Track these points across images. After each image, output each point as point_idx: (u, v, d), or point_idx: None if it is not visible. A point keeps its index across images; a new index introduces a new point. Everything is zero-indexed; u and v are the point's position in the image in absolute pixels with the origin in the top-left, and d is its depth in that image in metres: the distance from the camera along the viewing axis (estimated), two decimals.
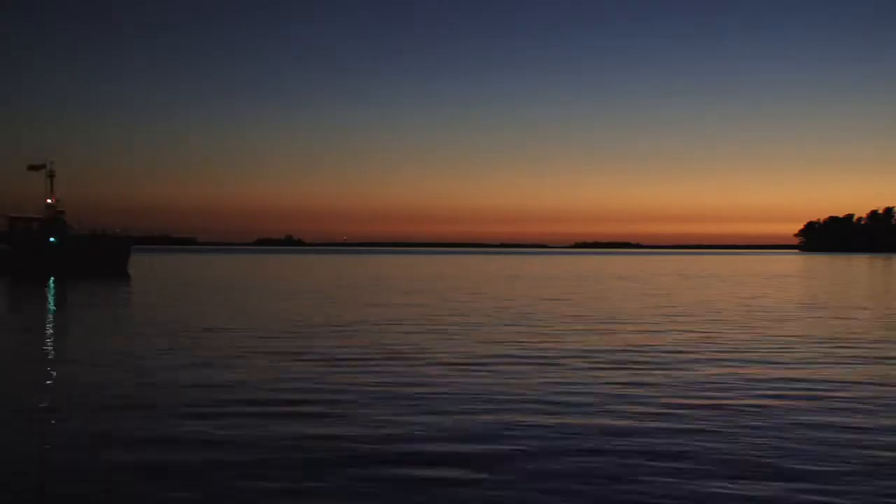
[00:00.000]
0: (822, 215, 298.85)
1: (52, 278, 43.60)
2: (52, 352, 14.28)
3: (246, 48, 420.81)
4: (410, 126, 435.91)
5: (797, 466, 6.87)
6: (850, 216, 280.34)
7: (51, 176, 55.82)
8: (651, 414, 8.96)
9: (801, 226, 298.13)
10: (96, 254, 55.89)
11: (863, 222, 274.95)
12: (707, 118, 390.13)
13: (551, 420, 8.63)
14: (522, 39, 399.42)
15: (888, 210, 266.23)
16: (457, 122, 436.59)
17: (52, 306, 24.45)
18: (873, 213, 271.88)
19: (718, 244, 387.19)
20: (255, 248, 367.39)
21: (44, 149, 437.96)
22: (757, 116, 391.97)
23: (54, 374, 11.94)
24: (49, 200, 55.36)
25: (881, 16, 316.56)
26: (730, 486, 6.33)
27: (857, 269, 70.28)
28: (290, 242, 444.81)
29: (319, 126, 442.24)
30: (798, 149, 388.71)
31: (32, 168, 55.51)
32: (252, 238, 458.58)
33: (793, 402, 9.63)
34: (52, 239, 54.31)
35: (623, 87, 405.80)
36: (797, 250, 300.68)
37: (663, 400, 9.73)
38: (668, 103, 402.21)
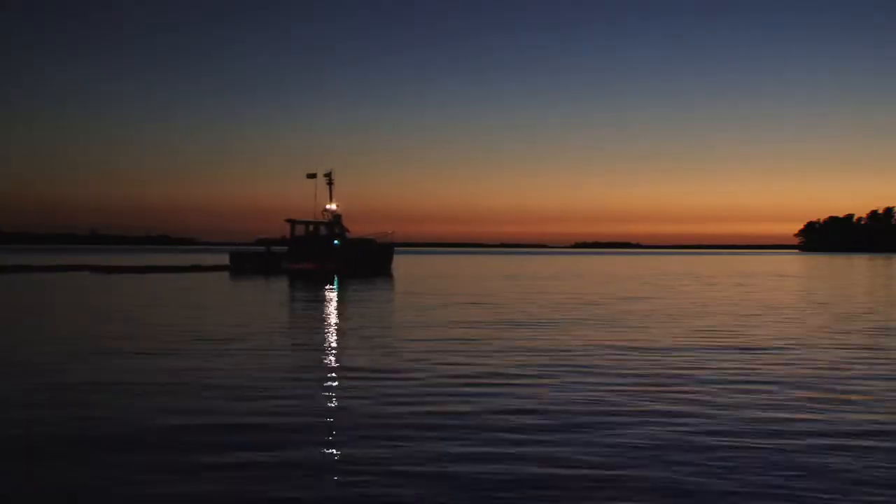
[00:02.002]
0: (822, 215, 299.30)
1: (335, 277, 48.51)
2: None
3: (246, 48, 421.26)
4: (410, 126, 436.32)
5: None
6: (850, 216, 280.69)
7: (330, 183, 60.16)
8: None
9: (801, 226, 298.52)
10: (369, 255, 60.62)
11: (863, 222, 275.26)
12: (707, 118, 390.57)
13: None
14: (523, 39, 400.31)
15: (888, 210, 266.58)
16: (457, 122, 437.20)
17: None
18: (873, 213, 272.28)
19: (718, 244, 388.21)
20: (256, 248, 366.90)
21: (44, 149, 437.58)
22: (757, 116, 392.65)
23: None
24: (329, 206, 59.81)
25: (882, 16, 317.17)
26: None
27: (876, 269, 70.60)
28: None
29: (319, 126, 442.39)
30: (798, 149, 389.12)
31: (311, 176, 59.71)
32: (252, 238, 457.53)
33: None
34: (335, 241, 58.91)
35: (623, 87, 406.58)
36: (797, 250, 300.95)
37: None
38: (668, 103, 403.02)
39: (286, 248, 58.85)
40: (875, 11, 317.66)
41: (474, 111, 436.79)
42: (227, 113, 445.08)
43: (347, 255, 58.99)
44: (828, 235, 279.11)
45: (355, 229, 61.38)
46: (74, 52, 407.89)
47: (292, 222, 58.91)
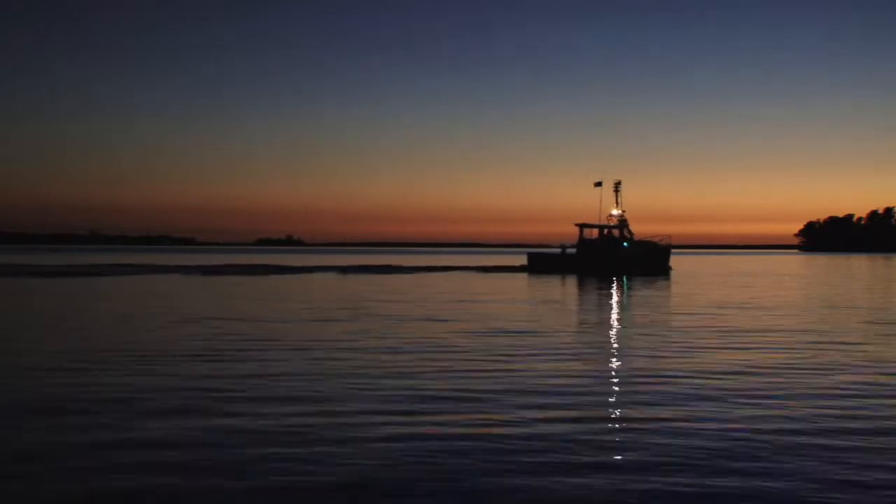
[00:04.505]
0: (822, 215, 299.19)
1: (623, 276, 55.23)
2: None
3: (245, 48, 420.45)
4: (411, 125, 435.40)
5: None
6: (850, 216, 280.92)
7: (616, 191, 65.85)
8: None
9: (801, 226, 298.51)
10: (652, 256, 65.52)
11: (863, 222, 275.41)
12: (706, 118, 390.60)
13: None
14: (524, 39, 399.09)
15: (888, 210, 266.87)
16: (458, 122, 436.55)
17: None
18: (873, 213, 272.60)
19: (718, 244, 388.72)
20: (255, 248, 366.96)
21: (43, 148, 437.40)
22: (757, 117, 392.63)
23: None
24: (615, 211, 65.54)
25: (882, 16, 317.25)
26: None
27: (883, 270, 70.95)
28: (290, 242, 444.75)
29: (320, 126, 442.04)
30: (798, 149, 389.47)
31: (597, 185, 65.37)
32: (252, 238, 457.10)
33: None
34: (625, 244, 64.40)
35: (624, 87, 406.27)
36: (797, 250, 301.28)
37: None
38: (667, 103, 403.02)
39: (575, 250, 65.14)
40: (877, 13, 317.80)
41: (475, 110, 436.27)
42: (226, 113, 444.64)
43: (635, 255, 64.16)
44: (828, 235, 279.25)
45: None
46: (74, 52, 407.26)
47: (581, 226, 64.80)
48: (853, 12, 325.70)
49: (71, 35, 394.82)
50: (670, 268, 66.55)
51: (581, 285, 42.67)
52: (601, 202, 67.42)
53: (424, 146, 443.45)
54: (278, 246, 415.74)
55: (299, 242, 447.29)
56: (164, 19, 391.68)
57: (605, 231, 65.25)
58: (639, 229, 71.24)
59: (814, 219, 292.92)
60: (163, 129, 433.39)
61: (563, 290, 38.20)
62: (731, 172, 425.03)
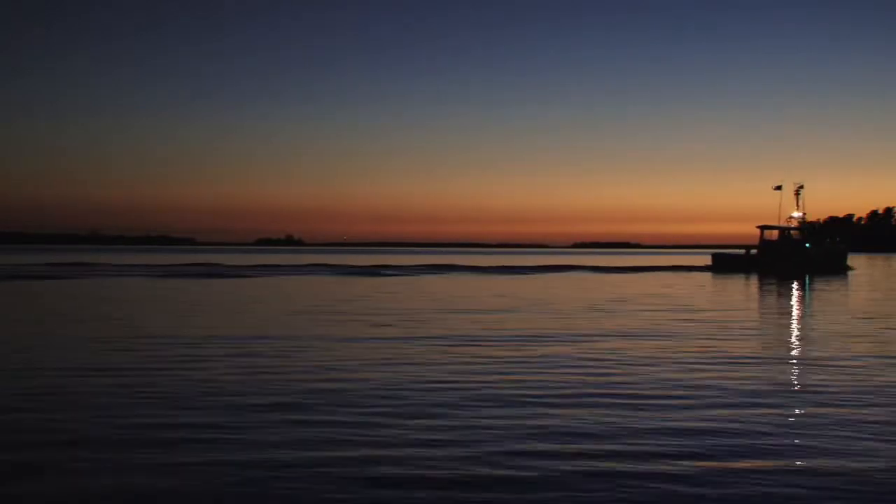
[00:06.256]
0: (822, 215, 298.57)
1: (805, 276, 56.89)
2: None
3: (247, 47, 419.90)
4: (411, 125, 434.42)
5: None
6: (850, 216, 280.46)
7: (797, 194, 69.04)
8: None
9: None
10: (830, 256, 68.24)
11: (863, 222, 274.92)
12: (706, 118, 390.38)
13: None
14: (524, 39, 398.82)
15: (888, 210, 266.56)
16: (458, 122, 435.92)
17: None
18: (873, 213, 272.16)
19: (719, 244, 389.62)
20: (256, 248, 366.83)
21: (43, 148, 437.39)
22: (756, 117, 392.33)
23: None
24: (795, 214, 68.60)
25: (883, 15, 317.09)
26: None
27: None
28: (291, 242, 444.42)
29: (320, 126, 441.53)
30: (798, 149, 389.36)
31: (777, 188, 68.10)
32: (252, 238, 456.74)
33: None
34: (807, 245, 67.29)
35: (623, 88, 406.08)
36: None
37: None
38: (667, 104, 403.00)
39: (757, 250, 68.06)
40: (876, 14, 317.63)
41: (475, 111, 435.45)
42: (227, 113, 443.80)
43: (817, 256, 66.64)
44: (828, 235, 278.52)
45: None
46: (75, 51, 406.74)
47: (762, 228, 67.83)
48: (852, 14, 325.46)
49: (71, 35, 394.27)
50: (850, 268, 67.45)
51: (764, 285, 44.27)
52: (780, 205, 75.11)
53: (425, 146, 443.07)
54: (278, 246, 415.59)
55: (299, 242, 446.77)
56: (164, 19, 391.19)
57: (785, 232, 67.46)
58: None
59: (814, 219, 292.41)
60: (163, 129, 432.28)
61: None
62: (731, 173, 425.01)
